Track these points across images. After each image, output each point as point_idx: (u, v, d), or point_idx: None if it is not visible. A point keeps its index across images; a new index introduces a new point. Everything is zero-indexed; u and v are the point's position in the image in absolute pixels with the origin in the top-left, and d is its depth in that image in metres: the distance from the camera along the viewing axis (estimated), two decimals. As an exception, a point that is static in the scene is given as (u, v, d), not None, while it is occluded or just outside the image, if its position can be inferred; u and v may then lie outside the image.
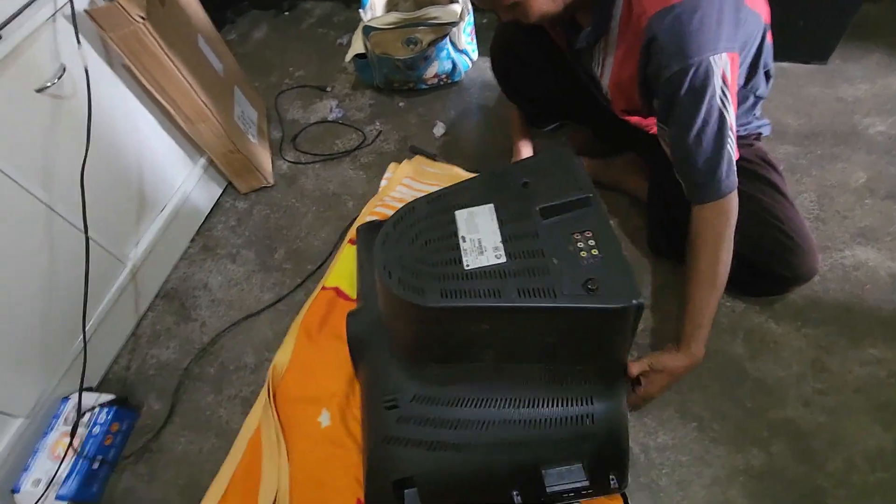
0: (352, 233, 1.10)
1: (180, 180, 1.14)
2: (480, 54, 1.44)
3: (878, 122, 1.14)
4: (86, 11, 0.87)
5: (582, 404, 0.70)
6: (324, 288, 1.02)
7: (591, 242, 0.63)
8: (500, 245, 0.63)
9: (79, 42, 0.85)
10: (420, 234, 0.67)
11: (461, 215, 0.67)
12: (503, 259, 0.62)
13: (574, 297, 0.59)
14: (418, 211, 0.70)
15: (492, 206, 0.68)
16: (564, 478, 0.71)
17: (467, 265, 0.62)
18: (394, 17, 1.15)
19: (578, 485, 0.71)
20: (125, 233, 1.02)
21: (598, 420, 0.69)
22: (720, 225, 0.75)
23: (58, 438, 0.86)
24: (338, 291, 1.01)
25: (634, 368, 0.76)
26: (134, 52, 0.90)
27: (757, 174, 0.87)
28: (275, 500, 0.79)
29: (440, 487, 0.72)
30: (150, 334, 1.04)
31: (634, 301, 0.58)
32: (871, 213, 1.00)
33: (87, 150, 0.85)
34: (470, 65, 1.39)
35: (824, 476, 0.75)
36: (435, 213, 0.69)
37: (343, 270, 1.04)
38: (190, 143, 1.15)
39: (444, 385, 0.72)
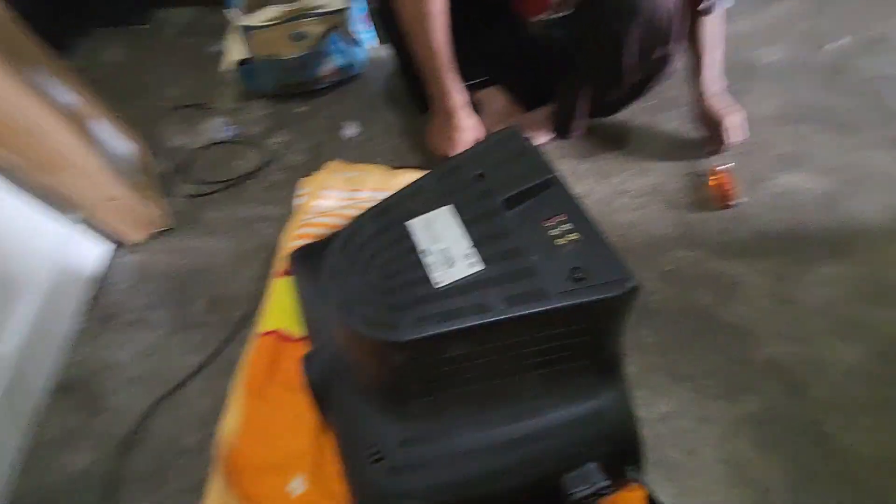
0: (281, 263, 0.96)
1: (48, 247, 0.93)
2: (381, 42, 1.32)
3: (768, 53, 1.19)
4: None
5: (586, 401, 0.64)
6: (261, 334, 0.88)
7: (567, 226, 0.57)
8: (472, 250, 0.55)
9: None
10: (374, 257, 0.57)
11: (417, 225, 0.58)
12: (479, 266, 0.54)
13: (565, 294, 0.52)
14: (365, 230, 0.59)
15: (450, 206, 0.59)
16: (583, 481, 0.66)
17: (438, 282, 0.53)
18: (274, 11, 1.00)
19: (599, 485, 0.65)
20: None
21: (606, 414, 0.64)
22: None
23: None
24: (279, 335, 0.87)
25: None
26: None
27: None
28: None
29: (455, 531, 0.63)
30: (54, 439, 0.84)
31: (629, 285, 0.52)
32: (790, 139, 1.04)
33: None
34: (369, 54, 1.27)
35: (815, 404, 0.76)
36: (385, 229, 0.59)
37: (279, 308, 0.90)
38: (52, 197, 0.93)
39: (433, 419, 0.63)
